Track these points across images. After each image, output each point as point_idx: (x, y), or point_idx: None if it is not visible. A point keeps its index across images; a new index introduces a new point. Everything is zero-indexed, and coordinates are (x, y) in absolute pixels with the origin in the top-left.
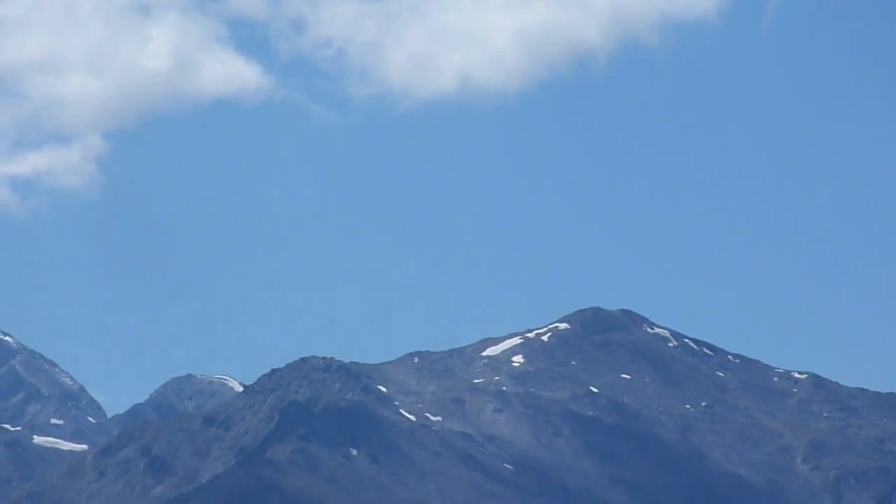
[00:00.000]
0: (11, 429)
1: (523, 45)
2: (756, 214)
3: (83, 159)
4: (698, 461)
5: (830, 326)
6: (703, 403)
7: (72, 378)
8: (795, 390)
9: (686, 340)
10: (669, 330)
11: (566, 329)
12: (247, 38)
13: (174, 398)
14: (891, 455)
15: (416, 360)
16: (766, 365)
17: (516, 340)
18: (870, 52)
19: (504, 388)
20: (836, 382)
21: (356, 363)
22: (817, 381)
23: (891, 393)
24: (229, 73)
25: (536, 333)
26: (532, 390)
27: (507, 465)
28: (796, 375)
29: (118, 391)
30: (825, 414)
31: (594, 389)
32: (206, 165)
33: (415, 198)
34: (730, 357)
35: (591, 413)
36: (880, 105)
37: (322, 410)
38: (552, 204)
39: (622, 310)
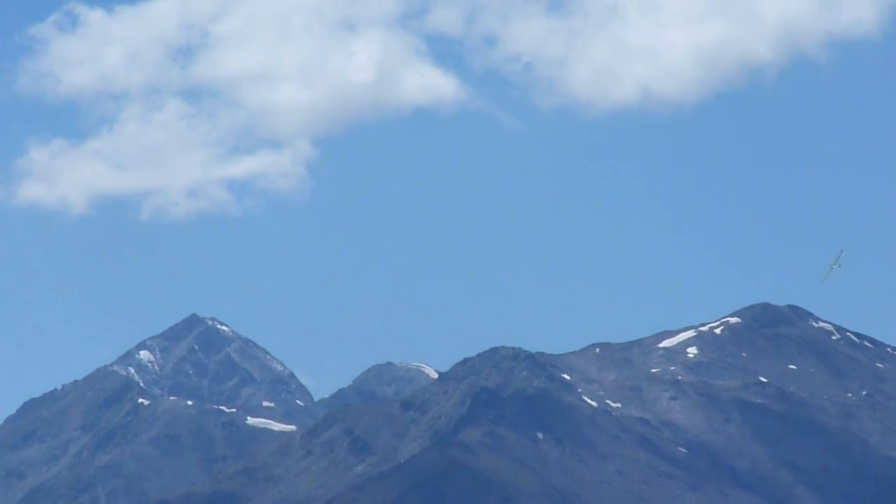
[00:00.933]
0: (227, 410)
1: (699, 60)
2: None
3: (293, 163)
4: (859, 446)
5: None
6: (864, 392)
7: (282, 364)
8: None
9: (848, 334)
10: (833, 324)
11: (737, 323)
12: (444, 52)
13: (375, 384)
14: None
15: (598, 350)
16: None
17: (690, 333)
18: None
19: (679, 378)
20: None
21: (542, 353)
22: None
23: None
24: (428, 84)
25: (710, 327)
26: (705, 380)
27: (682, 449)
28: None
29: (324, 377)
30: None
31: (763, 379)
32: (406, 169)
33: (597, 200)
34: (889, 349)
35: (759, 401)
36: None
37: (510, 396)
38: (725, 205)
39: (789, 305)
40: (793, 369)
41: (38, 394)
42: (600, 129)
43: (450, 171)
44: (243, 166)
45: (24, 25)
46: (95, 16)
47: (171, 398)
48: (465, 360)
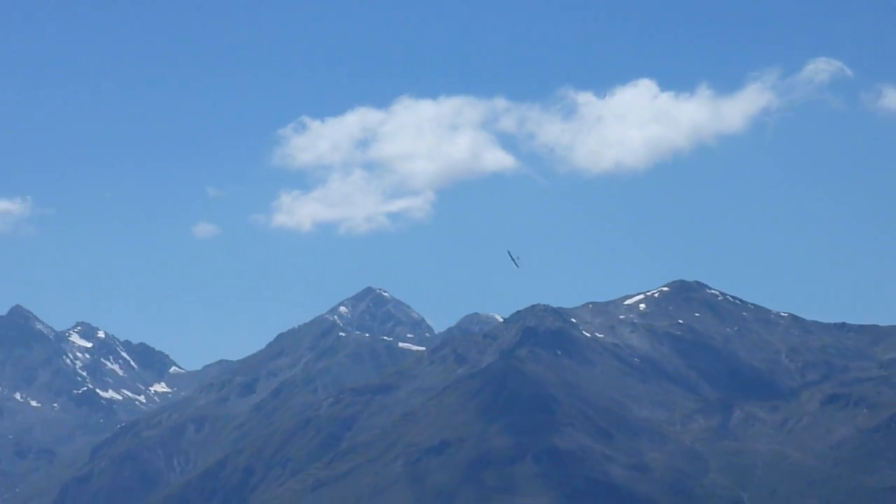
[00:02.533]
0: (387, 339)
1: (647, 144)
2: (773, 234)
3: (424, 203)
4: (733, 357)
5: (804, 289)
6: (736, 328)
7: (417, 313)
8: (782, 322)
9: (727, 296)
10: (719, 291)
11: (667, 290)
12: (505, 141)
13: (468, 324)
14: (832, 355)
15: (591, 306)
16: (768, 308)
17: (641, 296)
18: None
19: (635, 321)
20: (804, 318)
21: (561, 307)
22: (794, 318)
23: (839, 322)
24: (497, 159)
25: (652, 292)
26: (649, 322)
27: (637, 360)
28: (783, 314)
29: (441, 320)
30: (796, 333)
31: (681, 321)
32: (485, 205)
33: (589, 223)
34: (750, 305)
35: (679, 333)
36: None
37: (543, 331)
38: (661, 225)
39: (695, 280)
40: (697, 316)
41: (284, 329)
42: (592, 184)
43: (507, 206)
44: (396, 205)
45: (275, 129)
46: (314, 123)
47: (357, 332)
48: (518, 311)
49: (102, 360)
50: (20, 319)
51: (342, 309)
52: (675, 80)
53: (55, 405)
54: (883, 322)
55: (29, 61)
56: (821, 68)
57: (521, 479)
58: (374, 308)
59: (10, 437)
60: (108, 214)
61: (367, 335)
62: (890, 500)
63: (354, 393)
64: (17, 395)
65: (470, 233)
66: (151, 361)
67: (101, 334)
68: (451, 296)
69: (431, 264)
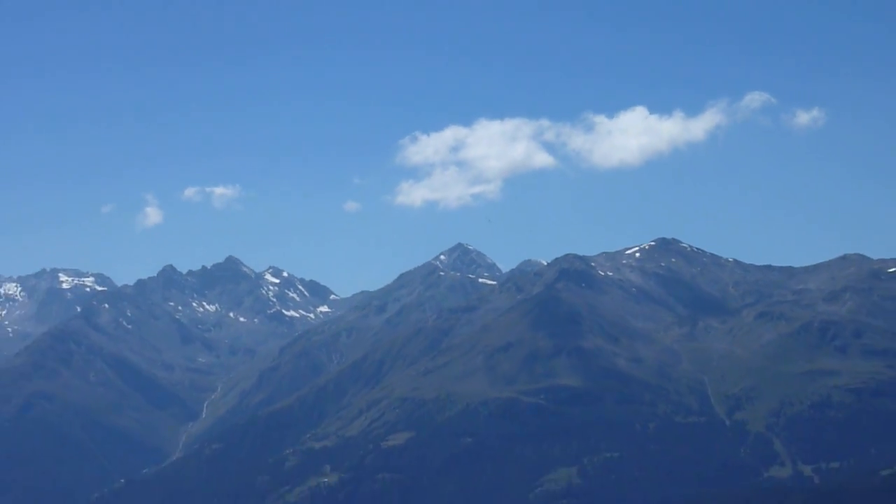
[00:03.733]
0: (471, 276)
1: (641, 149)
2: (724, 206)
3: (495, 188)
4: (699, 289)
5: (745, 243)
6: (699, 269)
7: (491, 259)
8: (729, 265)
9: (694, 248)
10: (689, 244)
11: (654, 244)
12: (548, 147)
13: (524, 266)
14: (762, 286)
15: (604, 255)
16: (720, 255)
17: (637, 248)
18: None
19: (633, 264)
20: (744, 262)
21: (584, 255)
22: (737, 262)
23: (766, 265)
24: (542, 159)
25: (644, 246)
26: (642, 265)
27: (634, 290)
28: (730, 259)
29: (506, 264)
30: (739, 272)
31: (662, 264)
32: (536, 183)
33: (602, 200)
34: (708, 253)
35: (661, 273)
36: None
37: (573, 271)
38: (653, 203)
39: (673, 238)
40: (674, 261)
41: (404, 270)
42: (604, 175)
43: (549, 190)
44: (476, 189)
45: (397, 140)
46: (423, 136)
47: (452, 272)
48: (556, 258)
49: (286, 290)
50: (232, 265)
51: (442, 257)
52: (659, 107)
53: (255, 320)
54: (795, 265)
55: (235, 92)
56: (755, 98)
57: (559, 369)
58: (463, 256)
59: (227, 341)
60: (290, 196)
61: (458, 274)
62: (800, 382)
63: (450, 312)
64: (231, 314)
65: (525, 207)
66: (318, 291)
67: (285, 274)
68: (513, 247)
69: (500, 228)
